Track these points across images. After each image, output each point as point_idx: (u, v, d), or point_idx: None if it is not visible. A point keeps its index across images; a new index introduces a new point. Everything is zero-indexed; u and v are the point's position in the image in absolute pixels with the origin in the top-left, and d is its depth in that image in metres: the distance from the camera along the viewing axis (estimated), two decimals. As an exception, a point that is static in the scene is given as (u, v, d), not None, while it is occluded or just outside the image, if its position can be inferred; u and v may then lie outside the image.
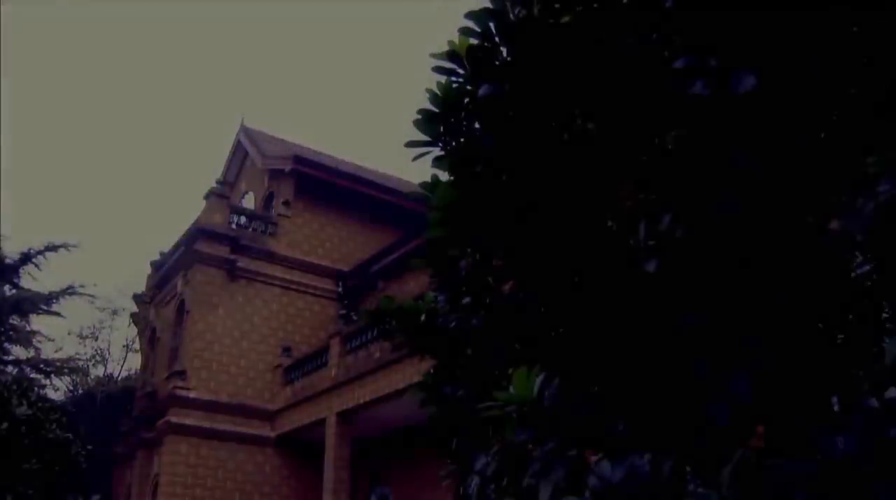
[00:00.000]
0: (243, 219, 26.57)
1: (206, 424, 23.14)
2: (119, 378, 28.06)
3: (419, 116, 2.47)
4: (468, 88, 2.40)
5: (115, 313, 28.21)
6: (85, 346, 28.02)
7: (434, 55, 2.54)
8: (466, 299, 2.51)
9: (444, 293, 2.88)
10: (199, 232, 24.62)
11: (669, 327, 2.03)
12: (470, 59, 2.42)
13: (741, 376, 1.90)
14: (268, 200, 29.17)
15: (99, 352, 27.95)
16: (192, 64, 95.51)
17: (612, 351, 2.13)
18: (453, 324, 2.75)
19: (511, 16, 2.11)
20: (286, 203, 27.12)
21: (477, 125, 2.28)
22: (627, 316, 2.10)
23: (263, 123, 70.15)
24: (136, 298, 28.50)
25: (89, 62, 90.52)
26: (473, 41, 2.31)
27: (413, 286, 24.80)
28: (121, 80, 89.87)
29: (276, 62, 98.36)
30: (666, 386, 2.04)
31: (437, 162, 2.55)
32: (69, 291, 28.27)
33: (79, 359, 27.92)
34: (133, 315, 28.32)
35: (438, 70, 2.56)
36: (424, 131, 2.45)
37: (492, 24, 2.19)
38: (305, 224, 27.24)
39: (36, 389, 20.98)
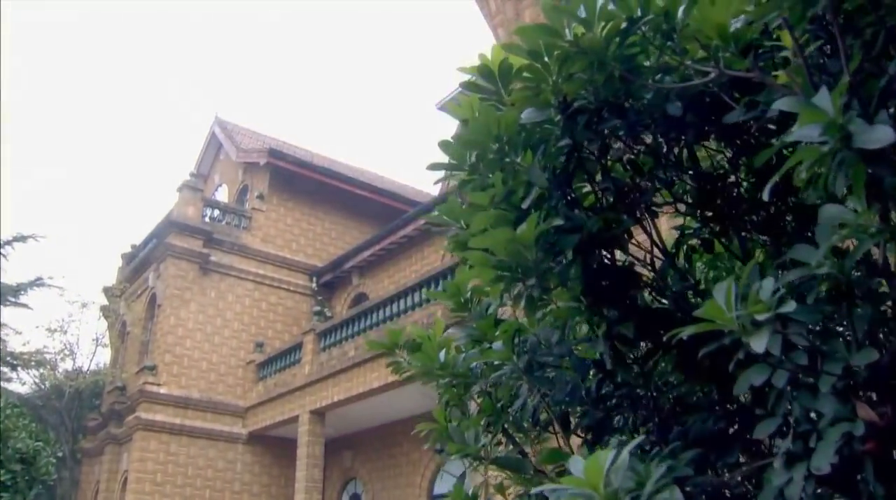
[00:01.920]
0: (217, 212, 26.23)
1: (177, 420, 22.83)
2: (88, 372, 27.56)
3: (449, 141, 2.29)
4: (500, 108, 2.24)
5: (84, 306, 27.67)
6: (54, 339, 27.45)
7: (462, 69, 2.37)
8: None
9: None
10: (171, 225, 24.26)
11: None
12: (502, 76, 2.25)
13: None
14: (241, 193, 28.88)
15: (68, 346, 27.42)
16: (166, 55, 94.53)
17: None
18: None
19: (568, 35, 1.93)
20: (260, 197, 26.82)
21: (518, 158, 2.10)
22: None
23: (238, 115, 69.54)
24: (107, 291, 28.04)
25: (63, 53, 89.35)
26: (521, 60, 2.13)
27: (388, 283, 24.66)
28: (94, 72, 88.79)
29: (251, 55, 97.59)
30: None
31: (465, 187, 2.38)
32: (38, 282, 27.72)
33: (47, 352, 27.38)
34: (103, 308, 27.86)
35: (468, 86, 2.38)
36: (453, 155, 2.28)
37: (542, 43, 2.01)
38: (280, 219, 26.95)
39: (3, 395, 20.57)
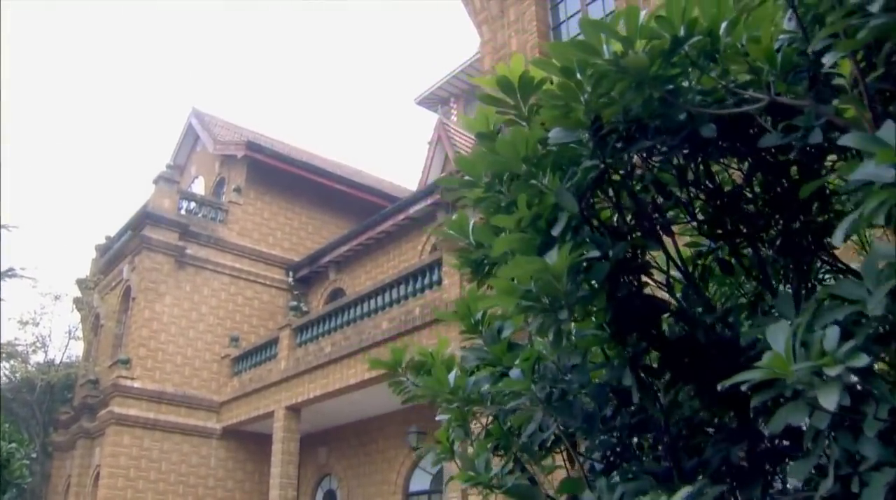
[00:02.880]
0: (193, 205, 25.96)
1: (151, 415, 22.58)
2: (60, 365, 27.20)
3: (465, 157, 2.20)
4: (519, 122, 2.15)
5: (57, 298, 27.32)
6: (25, 331, 27.07)
7: (478, 79, 2.27)
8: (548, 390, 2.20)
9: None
10: (147, 217, 23.97)
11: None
12: (522, 91, 2.16)
13: None
14: (218, 185, 28.61)
15: (40, 338, 27.06)
16: (142, 44, 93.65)
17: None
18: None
19: (606, 54, 1.83)
20: (237, 190, 26.57)
21: (545, 180, 2.00)
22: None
23: (215, 107, 69.10)
24: (80, 283, 27.69)
25: (36, 40, 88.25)
26: (541, 73, 2.03)
27: (364, 279, 24.53)
28: (68, 60, 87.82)
29: (229, 46, 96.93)
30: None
31: (480, 204, 2.28)
32: (9, 273, 27.30)
33: (18, 344, 27.01)
34: (76, 301, 27.53)
35: (486, 99, 2.28)
36: (469, 171, 2.18)
37: (575, 61, 1.91)
38: (257, 212, 26.72)
39: None
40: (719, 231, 2.65)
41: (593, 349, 2.35)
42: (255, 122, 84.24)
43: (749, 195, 2.67)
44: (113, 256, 26.57)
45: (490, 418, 2.67)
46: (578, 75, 1.93)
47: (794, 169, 2.43)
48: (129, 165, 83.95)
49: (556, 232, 1.94)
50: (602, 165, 2.08)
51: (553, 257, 1.83)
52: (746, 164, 2.60)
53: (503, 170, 2.09)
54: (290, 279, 26.61)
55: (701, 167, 2.50)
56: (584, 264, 1.90)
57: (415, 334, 17.01)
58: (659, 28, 1.82)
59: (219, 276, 25.25)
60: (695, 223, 2.59)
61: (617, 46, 1.85)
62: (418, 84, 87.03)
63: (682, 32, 1.82)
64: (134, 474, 21.94)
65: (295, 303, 23.46)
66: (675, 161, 2.29)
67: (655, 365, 2.16)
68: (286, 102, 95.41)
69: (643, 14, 1.91)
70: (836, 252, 2.70)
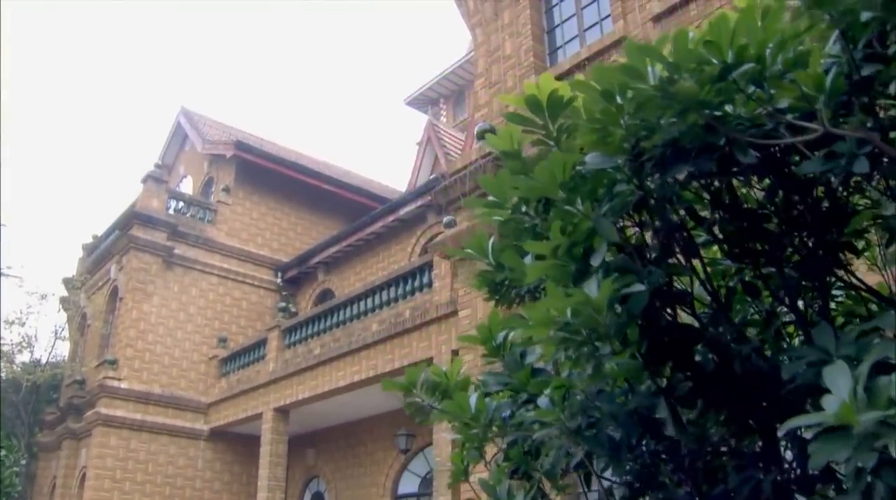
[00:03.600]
0: (181, 204, 25.82)
1: (138, 416, 22.44)
2: (46, 365, 26.98)
3: (491, 178, 2.14)
4: (548, 142, 2.09)
5: (44, 297, 27.09)
6: (11, 331, 26.85)
7: (505, 97, 2.22)
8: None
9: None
10: (135, 217, 23.81)
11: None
12: (551, 111, 2.10)
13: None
14: (207, 185, 28.47)
15: (26, 338, 26.84)
16: (130, 42, 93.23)
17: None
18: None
19: (652, 79, 1.78)
20: (226, 190, 26.43)
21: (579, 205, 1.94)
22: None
23: (204, 106, 68.84)
24: (67, 282, 27.51)
25: (21, 39, 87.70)
26: (581, 97, 1.97)
27: (354, 280, 24.47)
28: (55, 58, 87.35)
29: (218, 46, 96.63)
30: None
31: (506, 227, 2.22)
32: (-2, 271, 27.11)
33: (4, 344, 26.78)
34: (63, 300, 27.34)
35: (512, 118, 2.22)
36: (495, 191, 2.12)
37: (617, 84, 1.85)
38: (245, 212, 26.59)
39: None
40: (737, 250, 2.60)
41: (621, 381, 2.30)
42: (244, 121, 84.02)
43: (766, 213, 2.63)
44: (100, 255, 26.41)
45: (505, 441, 2.62)
46: (619, 99, 1.87)
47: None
48: (116, 163, 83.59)
49: (596, 262, 1.88)
50: (641, 191, 2.03)
51: (593, 288, 1.78)
52: (767, 181, 2.55)
53: (539, 195, 2.03)
54: (279, 280, 26.51)
55: (723, 187, 2.45)
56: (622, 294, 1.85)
57: (405, 337, 16.97)
58: (707, 54, 1.76)
59: (207, 276, 25.12)
60: (717, 245, 2.54)
61: (662, 72, 1.80)
62: (407, 85, 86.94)
63: (730, 59, 1.76)
64: (121, 475, 21.80)
65: (284, 304, 23.35)
66: (710, 185, 2.24)
67: (686, 393, 2.10)
68: (275, 102, 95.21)
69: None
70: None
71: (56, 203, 75.71)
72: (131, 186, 63.96)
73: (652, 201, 2.08)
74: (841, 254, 2.67)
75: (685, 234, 2.27)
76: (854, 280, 2.70)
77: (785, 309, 2.73)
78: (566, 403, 2.13)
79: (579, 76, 2.26)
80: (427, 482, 19.69)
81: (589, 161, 1.96)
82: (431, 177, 24.36)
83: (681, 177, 2.03)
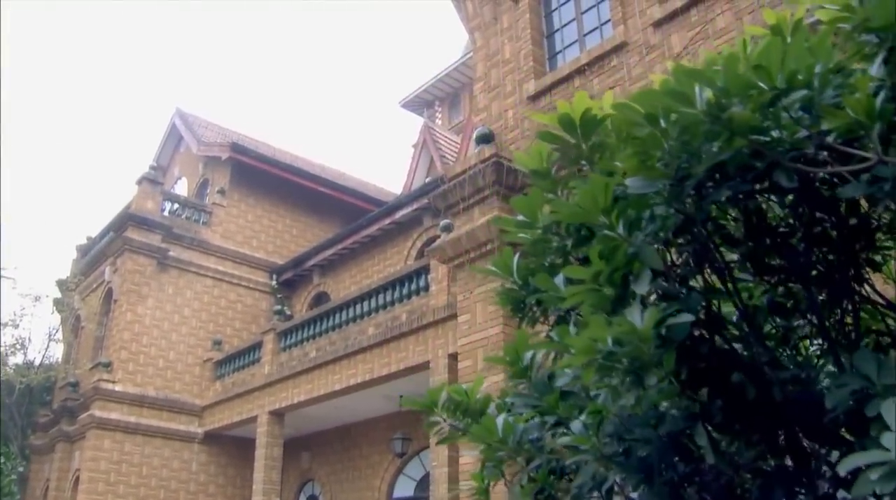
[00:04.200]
0: (176, 206, 25.74)
1: (132, 418, 22.34)
2: (39, 367, 26.86)
3: (523, 198, 2.10)
4: (585, 166, 2.05)
5: (37, 299, 26.94)
6: (4, 333, 26.71)
7: (537, 115, 2.18)
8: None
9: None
10: (129, 218, 23.71)
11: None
12: (584, 130, 2.06)
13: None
14: (202, 187, 28.38)
15: (19, 340, 26.70)
16: (125, 43, 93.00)
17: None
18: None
19: (701, 104, 1.74)
20: (221, 192, 26.35)
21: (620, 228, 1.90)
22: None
23: (199, 108, 68.72)
24: (60, 284, 27.40)
25: (19, 38, 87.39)
26: (638, 126, 1.92)
27: (350, 283, 24.41)
28: (48, 58, 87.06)
29: (213, 47, 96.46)
30: None
31: (537, 248, 2.18)
32: (-11, 273, 26.96)
33: (-2, 346, 26.65)
34: (56, 302, 27.22)
35: (545, 137, 2.19)
36: (526, 211, 2.09)
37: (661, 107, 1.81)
38: (240, 214, 26.52)
39: None
40: (759, 268, 2.57)
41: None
42: (239, 123, 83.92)
43: (788, 230, 2.60)
44: (94, 257, 26.30)
45: (533, 464, 2.58)
46: (662, 123, 1.84)
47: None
48: (110, 164, 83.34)
49: (641, 290, 1.85)
50: (682, 216, 1.99)
51: (637, 317, 1.74)
52: (790, 197, 2.52)
53: (580, 221, 2.00)
54: (274, 282, 26.44)
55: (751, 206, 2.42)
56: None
57: (401, 341, 16.91)
58: (757, 79, 1.73)
59: (202, 278, 25.04)
60: (740, 264, 2.51)
61: (710, 95, 1.76)
62: (402, 87, 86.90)
63: (781, 84, 1.73)
64: (114, 478, 21.70)
65: (279, 307, 23.28)
66: (740, 204, 2.21)
67: (723, 419, 2.07)
68: (270, 104, 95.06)
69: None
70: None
71: (50, 204, 75.46)
72: (126, 187, 63.74)
73: (693, 226, 2.04)
74: (861, 269, 2.65)
75: (717, 254, 2.24)
76: (874, 295, 2.67)
77: (800, 323, 2.71)
78: (600, 428, 2.09)
79: (609, 93, 2.21)
80: (422, 485, 19.64)
81: (631, 185, 1.93)
82: (427, 180, 24.32)
83: (720, 199, 2.00)
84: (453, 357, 14.96)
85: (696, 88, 1.77)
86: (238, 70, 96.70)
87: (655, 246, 1.99)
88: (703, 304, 2.04)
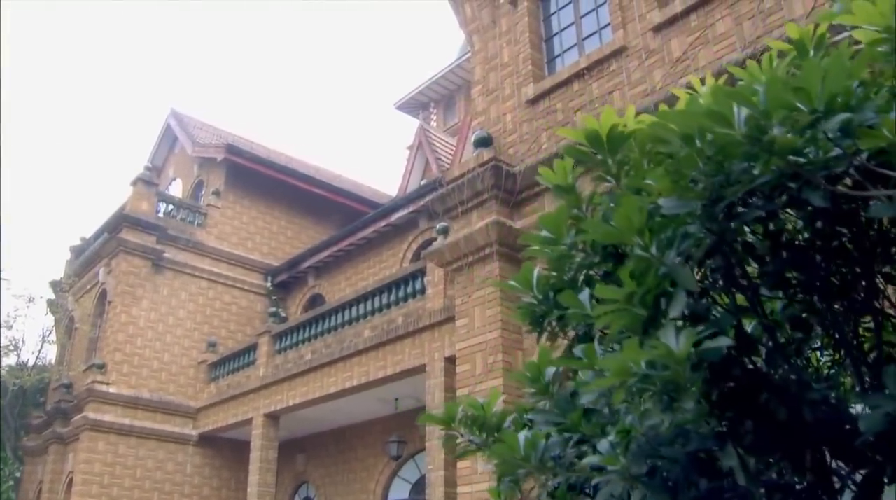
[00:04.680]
0: (171, 207, 25.68)
1: (126, 420, 22.26)
2: (33, 369, 26.75)
3: (550, 215, 2.08)
4: (607, 179, 2.03)
5: (31, 300, 26.84)
6: (-1, 335, 26.60)
7: (564, 131, 2.16)
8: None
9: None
10: (124, 220, 23.67)
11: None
12: (611, 146, 2.04)
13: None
14: (196, 188, 28.32)
15: (13, 341, 26.59)
16: (120, 43, 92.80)
17: None
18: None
19: (740, 125, 1.72)
20: (216, 193, 26.30)
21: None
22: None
23: (194, 109, 68.61)
24: (54, 285, 27.30)
25: (12, 38, 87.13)
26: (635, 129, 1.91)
27: (344, 285, 24.37)
28: (41, 58, 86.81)
29: (208, 48, 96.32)
30: None
31: (562, 262, 2.16)
32: (-17, 275, 26.87)
33: (-10, 347, 26.53)
34: (50, 303, 27.13)
35: (571, 152, 2.17)
36: (552, 228, 2.07)
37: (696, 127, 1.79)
38: (235, 216, 26.47)
39: None
40: (775, 282, 2.55)
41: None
42: (234, 124, 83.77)
43: (805, 244, 2.58)
44: (88, 258, 26.22)
45: (555, 481, 2.56)
46: (698, 142, 1.82)
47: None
48: (104, 165, 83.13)
49: (675, 312, 1.83)
50: (715, 236, 1.97)
51: (672, 340, 1.72)
52: (807, 211, 2.51)
53: (615, 241, 1.98)
54: (269, 284, 26.39)
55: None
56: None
57: (397, 344, 16.89)
58: (797, 101, 1.71)
59: (196, 280, 24.99)
60: (763, 280, 2.49)
61: (749, 116, 1.74)
62: (398, 88, 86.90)
63: (820, 106, 1.71)
64: (108, 480, 21.63)
65: (274, 309, 23.24)
66: (766, 222, 2.19)
67: (753, 440, 2.06)
68: (264, 104, 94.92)
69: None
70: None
71: (43, 204, 75.24)
72: (120, 188, 63.57)
73: (723, 245, 2.03)
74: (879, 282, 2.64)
75: (745, 273, 2.22)
76: (889, 308, 2.66)
77: (813, 335, 2.70)
78: (628, 447, 2.07)
79: (632, 110, 2.18)
80: (418, 488, 19.63)
81: (666, 206, 1.91)
82: (423, 182, 24.32)
83: (751, 218, 1.98)
84: (450, 361, 14.95)
85: (735, 109, 1.75)
86: (233, 71, 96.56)
87: (688, 266, 1.97)
88: (734, 323, 2.03)
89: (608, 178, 2.13)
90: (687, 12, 10.70)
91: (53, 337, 27.32)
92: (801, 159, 1.77)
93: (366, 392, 18.10)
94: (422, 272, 17.23)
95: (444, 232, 14.91)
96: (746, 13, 9.96)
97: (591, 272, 2.28)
